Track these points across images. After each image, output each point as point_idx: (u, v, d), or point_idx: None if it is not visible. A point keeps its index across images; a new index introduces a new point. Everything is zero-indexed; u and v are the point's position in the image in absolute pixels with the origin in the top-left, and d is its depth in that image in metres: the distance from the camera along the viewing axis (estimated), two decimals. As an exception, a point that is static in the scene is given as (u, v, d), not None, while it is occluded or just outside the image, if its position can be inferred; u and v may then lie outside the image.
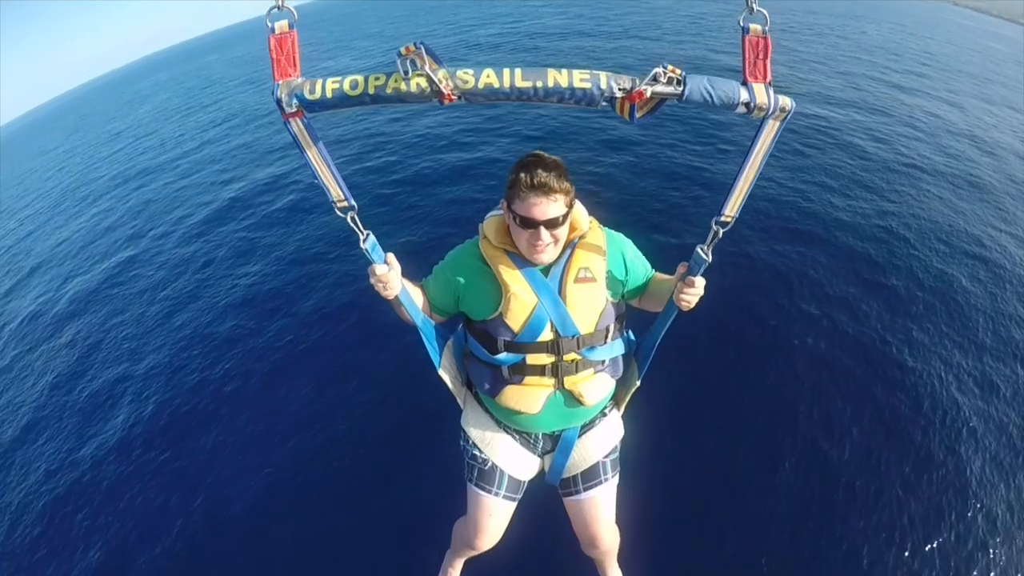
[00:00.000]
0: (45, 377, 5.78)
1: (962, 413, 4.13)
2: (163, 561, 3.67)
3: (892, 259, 5.79)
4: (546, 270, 1.71)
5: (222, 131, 13.70)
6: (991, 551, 3.33)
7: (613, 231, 1.84)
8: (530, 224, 1.58)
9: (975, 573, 3.24)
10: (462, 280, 1.77)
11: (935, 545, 3.35)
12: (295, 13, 1.31)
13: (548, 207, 1.55)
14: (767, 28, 1.34)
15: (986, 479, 3.71)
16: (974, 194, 7.34)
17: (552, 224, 1.58)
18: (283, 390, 4.77)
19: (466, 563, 2.31)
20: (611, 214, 1.97)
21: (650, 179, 7.47)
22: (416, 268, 1.86)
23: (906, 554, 3.30)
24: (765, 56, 1.34)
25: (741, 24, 1.34)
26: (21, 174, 19.77)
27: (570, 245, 1.73)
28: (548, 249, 1.64)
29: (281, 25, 1.31)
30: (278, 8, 1.29)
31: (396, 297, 1.67)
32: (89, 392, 5.38)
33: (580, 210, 1.76)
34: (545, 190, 1.53)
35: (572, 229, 1.73)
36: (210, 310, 6.08)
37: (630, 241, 1.85)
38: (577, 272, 1.70)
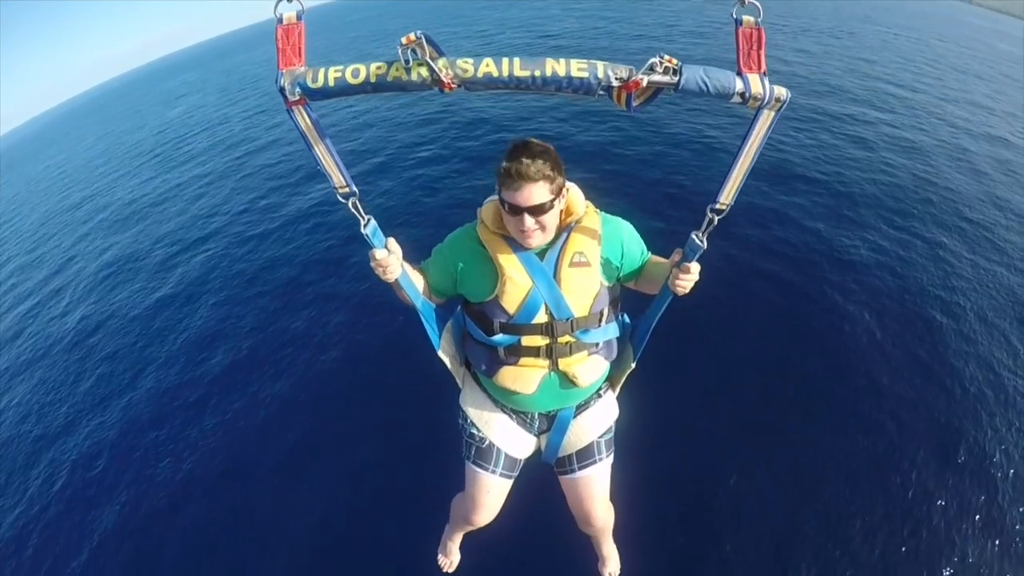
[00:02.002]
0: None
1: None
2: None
3: (894, 252, 5.83)
4: (542, 254, 1.75)
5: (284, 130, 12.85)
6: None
7: (610, 216, 1.86)
8: (515, 211, 1.62)
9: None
10: (460, 263, 1.82)
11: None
12: (303, 4, 1.33)
13: (532, 194, 1.58)
14: (759, 19, 1.35)
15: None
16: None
17: (536, 211, 1.61)
18: (282, 368, 4.87)
19: (465, 537, 2.39)
20: (609, 198, 2.00)
21: (650, 165, 7.52)
22: (417, 252, 1.91)
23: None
24: (759, 47, 1.36)
25: (734, 16, 1.35)
26: (74, 167, 19.03)
27: (566, 229, 1.76)
28: (535, 235, 1.67)
29: (289, 16, 1.34)
30: None
31: (396, 280, 1.71)
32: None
33: (577, 195, 1.79)
34: (528, 177, 1.56)
35: (568, 214, 1.76)
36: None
37: (628, 224, 1.88)
38: (572, 256, 1.73)
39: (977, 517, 3.40)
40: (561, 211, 1.73)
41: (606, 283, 1.80)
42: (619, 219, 1.88)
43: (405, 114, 10.97)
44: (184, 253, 7.83)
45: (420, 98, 10.86)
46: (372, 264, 1.65)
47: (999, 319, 4.83)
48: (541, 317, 1.75)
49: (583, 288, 1.76)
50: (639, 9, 20.81)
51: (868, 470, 3.68)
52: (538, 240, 1.70)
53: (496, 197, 1.76)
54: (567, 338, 1.79)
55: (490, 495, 2.06)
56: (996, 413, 3.99)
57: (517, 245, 1.74)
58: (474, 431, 2.04)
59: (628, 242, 1.84)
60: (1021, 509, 3.42)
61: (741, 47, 1.37)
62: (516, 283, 1.72)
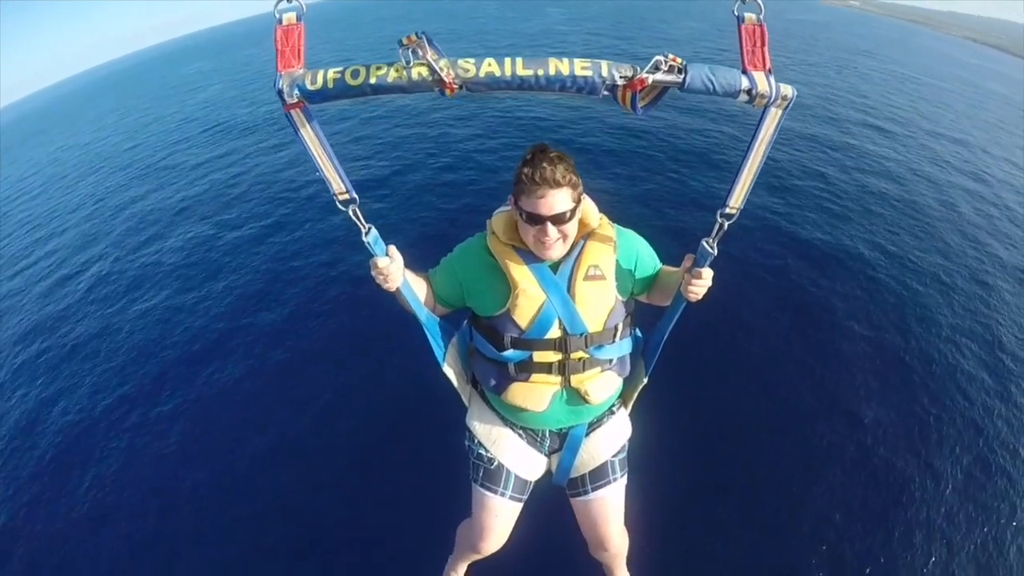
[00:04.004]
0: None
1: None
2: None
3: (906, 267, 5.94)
4: (555, 267, 1.70)
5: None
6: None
7: (623, 228, 1.83)
8: (536, 220, 1.57)
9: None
10: (469, 275, 1.77)
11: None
12: (303, 5, 1.32)
13: (555, 201, 1.54)
14: (762, 16, 1.35)
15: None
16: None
17: (559, 219, 1.57)
18: (280, 386, 4.74)
19: (470, 567, 2.27)
20: (618, 209, 1.97)
21: (656, 173, 7.61)
22: (422, 262, 1.88)
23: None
24: (762, 44, 1.35)
25: (736, 13, 1.35)
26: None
27: (580, 241, 1.72)
28: (556, 245, 1.63)
29: (289, 17, 1.33)
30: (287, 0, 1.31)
31: (398, 289, 1.67)
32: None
33: (590, 206, 1.75)
34: (550, 184, 1.52)
35: (582, 225, 1.72)
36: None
37: (639, 236, 1.85)
38: (587, 269, 1.69)
39: None
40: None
41: (621, 297, 1.76)
42: (631, 231, 1.84)
43: (411, 119, 11.04)
44: (238, 247, 7.48)
45: (432, 107, 10.98)
46: (373, 272, 1.61)
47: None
48: (554, 332, 1.70)
49: (598, 302, 1.71)
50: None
51: (903, 490, 3.60)
52: (558, 251, 1.66)
53: (507, 208, 1.74)
54: (580, 354, 1.73)
55: (499, 520, 1.96)
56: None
57: (530, 257, 1.70)
58: (482, 452, 1.96)
59: (642, 253, 1.81)
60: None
61: (744, 45, 1.36)
62: (529, 296, 1.68)
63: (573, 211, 1.59)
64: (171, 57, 60.08)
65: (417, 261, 1.80)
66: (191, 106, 19.20)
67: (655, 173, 7.66)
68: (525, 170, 1.54)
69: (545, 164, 1.52)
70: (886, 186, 8.15)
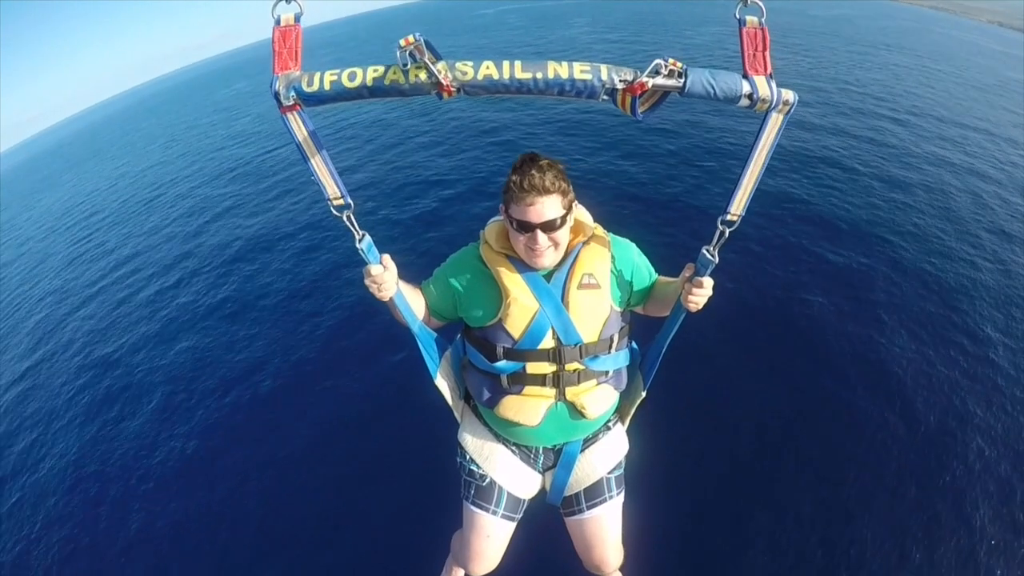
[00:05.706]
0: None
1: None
2: None
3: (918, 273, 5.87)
4: (549, 275, 1.68)
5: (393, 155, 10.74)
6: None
7: (618, 236, 1.80)
8: (526, 227, 1.55)
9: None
10: (462, 284, 1.74)
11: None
12: (301, 6, 1.30)
13: (545, 208, 1.52)
14: (763, 19, 1.33)
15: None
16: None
17: (549, 227, 1.55)
18: (273, 401, 4.72)
19: None
20: (614, 218, 1.95)
21: (652, 179, 7.61)
22: (415, 272, 1.84)
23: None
24: (764, 48, 1.33)
25: (737, 17, 1.33)
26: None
27: (574, 250, 1.69)
28: (547, 253, 1.61)
29: (287, 18, 1.30)
30: (285, 0, 1.28)
31: (391, 299, 1.63)
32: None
33: (584, 214, 1.74)
34: (539, 191, 1.50)
35: (576, 233, 1.70)
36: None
37: (635, 245, 1.82)
38: (581, 278, 1.66)
39: None
40: (570, 229, 1.65)
41: (616, 307, 1.73)
42: (626, 239, 1.82)
43: (412, 126, 11.02)
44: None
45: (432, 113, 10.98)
46: (366, 281, 1.57)
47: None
48: (548, 342, 1.66)
49: (592, 312, 1.68)
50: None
51: (915, 523, 3.51)
52: (550, 259, 1.63)
53: (500, 218, 1.71)
54: (575, 365, 1.69)
55: (490, 540, 1.90)
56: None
57: (523, 266, 1.67)
58: (474, 468, 1.91)
59: (637, 261, 1.78)
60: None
61: (746, 49, 1.34)
62: (521, 305, 1.64)
63: (564, 218, 1.57)
64: (208, 79, 59.67)
65: (413, 274, 1.77)
66: (240, 126, 19.05)
67: (656, 175, 7.67)
68: (514, 177, 1.52)
69: (534, 171, 1.50)
70: (902, 195, 7.92)
